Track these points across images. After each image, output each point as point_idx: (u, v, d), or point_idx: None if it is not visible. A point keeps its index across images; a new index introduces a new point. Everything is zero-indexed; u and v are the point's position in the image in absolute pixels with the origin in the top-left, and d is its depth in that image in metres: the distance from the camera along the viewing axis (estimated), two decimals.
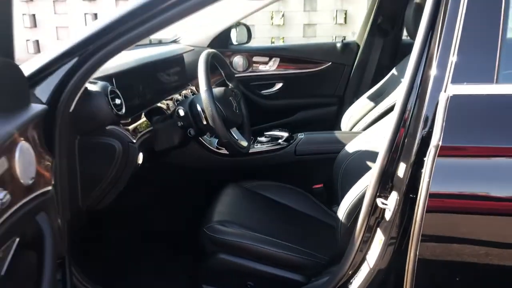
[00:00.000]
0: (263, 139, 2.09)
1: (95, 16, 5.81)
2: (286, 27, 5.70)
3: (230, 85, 1.87)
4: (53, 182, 1.04)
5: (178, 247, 1.88)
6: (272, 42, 5.77)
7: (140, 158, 1.48)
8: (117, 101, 1.41)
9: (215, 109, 1.54)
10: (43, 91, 1.17)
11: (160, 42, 2.41)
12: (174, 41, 2.63)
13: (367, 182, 1.28)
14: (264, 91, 2.82)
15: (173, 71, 1.98)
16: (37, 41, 5.93)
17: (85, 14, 5.81)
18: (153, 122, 1.66)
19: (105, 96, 1.36)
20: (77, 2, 5.78)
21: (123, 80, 1.56)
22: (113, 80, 1.49)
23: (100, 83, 1.40)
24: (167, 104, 1.84)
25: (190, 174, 2.03)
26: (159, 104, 1.78)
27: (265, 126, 2.79)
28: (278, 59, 2.79)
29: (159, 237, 1.94)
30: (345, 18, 5.58)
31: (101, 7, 5.78)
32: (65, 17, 5.85)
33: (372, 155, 1.58)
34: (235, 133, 1.72)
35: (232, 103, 1.71)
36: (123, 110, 1.44)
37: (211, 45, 2.66)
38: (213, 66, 1.77)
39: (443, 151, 0.99)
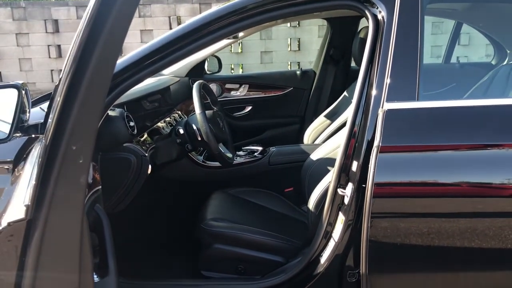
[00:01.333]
0: (241, 153, 2.48)
1: (59, 47, 5.98)
2: (244, 55, 6.10)
3: (215, 108, 2.26)
4: (101, 184, 1.38)
5: (177, 244, 2.21)
6: (231, 69, 6.15)
7: (149, 169, 1.83)
8: (131, 124, 1.76)
9: (208, 128, 1.91)
10: None
11: None
12: None
13: (329, 179, 1.66)
14: (236, 114, 3.22)
15: (163, 99, 2.34)
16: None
17: (48, 46, 5.99)
18: (154, 140, 2.01)
19: (123, 119, 1.70)
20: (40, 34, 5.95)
21: (131, 107, 1.91)
22: (125, 107, 1.84)
23: (118, 109, 1.74)
24: (162, 126, 2.20)
25: (182, 184, 2.37)
26: (156, 126, 2.13)
27: (240, 144, 3.19)
28: (247, 86, 3.22)
29: (160, 237, 2.27)
30: (299, 45, 6.08)
31: (64, 39, 5.96)
32: (27, 49, 6.00)
33: (331, 161, 1.94)
34: (222, 147, 2.09)
35: (219, 122, 2.09)
36: (136, 131, 1.78)
37: (189, 74, 3.04)
38: (201, 94, 2.15)
39: (382, 149, 1.39)
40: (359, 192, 1.44)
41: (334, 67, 3.20)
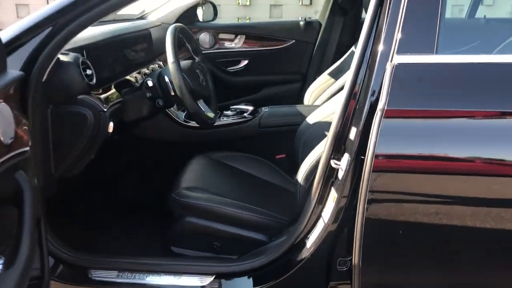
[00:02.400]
0: (229, 112, 2.18)
1: None
2: (253, 8, 5.71)
3: (197, 59, 1.94)
4: (30, 144, 1.10)
5: (148, 214, 1.96)
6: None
7: (111, 127, 1.55)
8: (88, 72, 1.47)
9: (182, 81, 1.61)
10: (17, 60, 1.23)
11: (126, 19, 2.44)
12: (141, 18, 2.66)
13: (322, 148, 1.39)
14: (230, 68, 2.90)
15: (140, 46, 2.03)
16: None
17: None
18: (122, 93, 1.72)
19: (77, 66, 1.42)
20: None
21: (93, 52, 1.61)
22: (84, 52, 1.54)
23: (72, 54, 1.45)
24: (135, 77, 1.90)
25: (158, 146, 2.10)
26: (127, 77, 1.83)
27: (231, 102, 2.88)
28: (243, 37, 2.87)
29: (129, 205, 2.02)
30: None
31: None
32: None
33: (329, 126, 1.70)
34: (202, 105, 1.80)
35: (199, 75, 1.79)
36: (94, 81, 1.49)
37: (177, 21, 2.70)
38: (180, 41, 1.84)
39: (388, 114, 1.11)
40: (356, 165, 1.22)
41: (342, 18, 2.84)
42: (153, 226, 1.89)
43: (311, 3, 5.68)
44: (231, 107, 2.21)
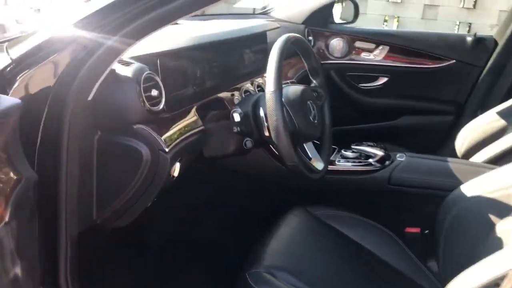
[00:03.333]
0: (349, 153, 1.61)
1: None
2: (404, 5, 4.95)
3: (314, 82, 1.41)
4: (6, 219, 0.70)
5: (218, 269, 1.52)
6: (384, 21, 5.10)
7: (177, 169, 1.12)
8: (154, 93, 1.04)
9: (281, 119, 1.10)
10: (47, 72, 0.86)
11: (234, 14, 1.99)
12: (264, 13, 2.21)
13: (496, 263, 0.78)
14: (363, 85, 2.31)
15: (248, 54, 1.56)
16: None
17: None
18: (206, 119, 1.27)
19: (136, 85, 1.00)
20: None
21: (173, 61, 1.19)
22: (158, 62, 1.12)
23: (136, 65, 1.04)
24: (232, 94, 1.44)
25: (244, 181, 1.63)
26: (220, 95, 1.38)
27: (357, 128, 2.30)
28: (387, 48, 2.25)
29: (195, 257, 1.59)
30: (475, 1, 4.71)
31: None
32: None
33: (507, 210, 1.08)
34: (309, 148, 1.29)
35: (311, 109, 1.26)
36: (161, 105, 1.07)
37: (307, 21, 2.20)
38: (294, 54, 1.34)
39: None
40: None
41: None
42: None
43: (474, 7, 4.79)
44: (353, 146, 1.64)
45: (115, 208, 1.08)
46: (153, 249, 1.57)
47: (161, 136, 1.06)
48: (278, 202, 1.45)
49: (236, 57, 1.50)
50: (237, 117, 1.21)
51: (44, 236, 0.91)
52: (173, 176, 1.12)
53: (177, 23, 1.66)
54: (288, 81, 1.60)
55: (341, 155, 1.62)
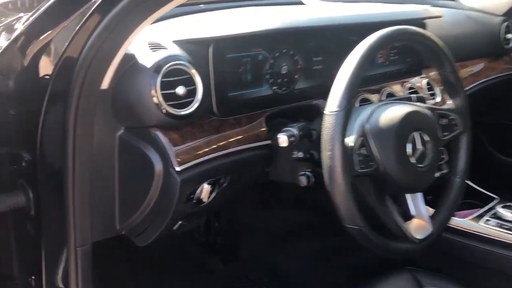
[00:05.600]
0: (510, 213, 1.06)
1: None
2: None
3: (448, 102, 0.92)
4: None
5: None
6: None
7: (205, 192, 0.86)
8: (180, 90, 0.79)
9: (340, 154, 0.70)
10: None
11: None
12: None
13: None
14: None
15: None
16: None
17: None
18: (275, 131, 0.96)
19: (154, 78, 0.77)
20: None
21: (242, 50, 0.91)
22: (211, 49, 0.87)
23: (162, 51, 0.82)
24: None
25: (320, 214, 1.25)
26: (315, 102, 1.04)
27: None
28: None
29: None
30: None
31: None
32: None
33: None
34: (412, 201, 0.85)
35: (416, 144, 0.81)
36: (192, 108, 0.81)
37: (509, 13, 1.60)
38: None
39: None
40: None
41: None
42: None
43: None
44: (498, 208, 1.08)
45: (135, 223, 0.90)
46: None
47: (187, 147, 0.82)
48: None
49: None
50: (283, 141, 0.85)
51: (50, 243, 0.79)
52: (200, 201, 0.86)
53: (302, 3, 1.36)
54: (399, 96, 1.13)
55: (495, 214, 1.09)
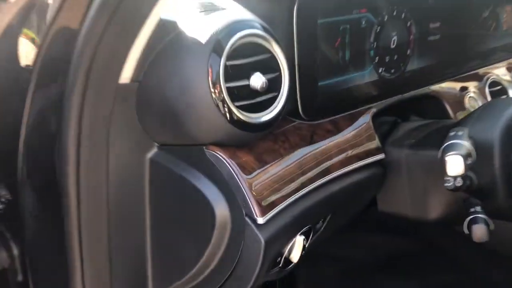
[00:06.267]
0: None
1: None
2: None
3: None
4: None
5: None
6: None
7: (298, 249, 0.53)
8: (255, 82, 0.46)
9: None
10: None
11: None
12: None
13: None
14: None
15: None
16: None
17: None
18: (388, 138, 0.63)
19: (212, 62, 0.44)
20: None
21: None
22: (295, 8, 0.53)
23: (223, 14, 0.48)
24: (464, 89, 0.75)
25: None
26: (434, 89, 0.71)
27: None
28: None
29: None
30: None
31: None
32: None
33: None
34: None
35: None
36: (276, 111, 0.49)
37: None
38: None
39: None
40: None
41: None
42: None
43: None
44: None
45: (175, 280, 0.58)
46: None
47: (269, 178, 0.50)
48: None
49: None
50: (467, 158, 0.51)
51: None
52: (288, 262, 0.54)
53: None
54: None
55: None
